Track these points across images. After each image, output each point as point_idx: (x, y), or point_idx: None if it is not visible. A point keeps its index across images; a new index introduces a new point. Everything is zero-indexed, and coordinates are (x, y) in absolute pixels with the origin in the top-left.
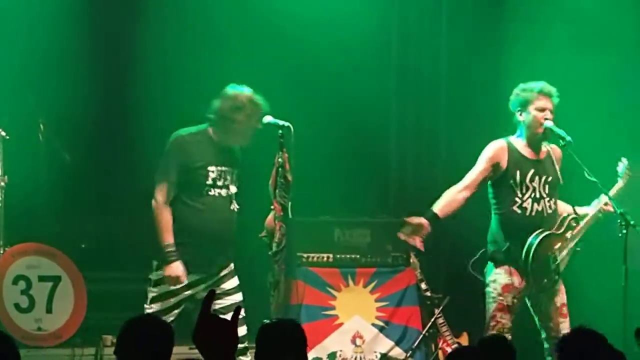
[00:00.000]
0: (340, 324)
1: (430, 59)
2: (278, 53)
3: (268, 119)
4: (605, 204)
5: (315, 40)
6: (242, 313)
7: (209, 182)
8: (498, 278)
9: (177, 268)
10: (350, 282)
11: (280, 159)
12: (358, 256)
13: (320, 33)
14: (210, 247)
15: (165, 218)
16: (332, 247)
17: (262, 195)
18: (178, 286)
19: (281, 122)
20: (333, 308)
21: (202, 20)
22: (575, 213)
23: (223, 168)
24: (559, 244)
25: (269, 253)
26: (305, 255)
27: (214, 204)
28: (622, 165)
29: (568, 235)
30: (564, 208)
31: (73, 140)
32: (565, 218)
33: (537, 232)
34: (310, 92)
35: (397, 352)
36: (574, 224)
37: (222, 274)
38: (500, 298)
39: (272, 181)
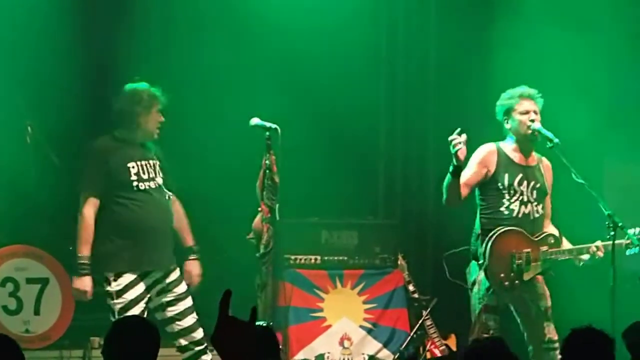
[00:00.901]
0: (328, 326)
1: (419, 61)
2: (265, 55)
3: (255, 121)
4: (597, 248)
5: (303, 42)
6: (195, 315)
7: (133, 177)
8: (483, 278)
9: (88, 282)
10: (338, 284)
11: (267, 161)
12: (346, 258)
13: (308, 36)
14: (156, 239)
15: (88, 230)
16: (319, 249)
17: (249, 197)
18: (137, 293)
19: (268, 124)
20: (321, 310)
21: (191, 24)
22: (559, 237)
23: (142, 162)
24: (528, 249)
25: (257, 255)
26: (292, 257)
27: (148, 197)
28: (634, 231)
29: (543, 248)
30: (554, 230)
31: (61, 142)
32: (546, 232)
33: (503, 226)
34: (297, 94)
35: (385, 354)
36: (551, 241)
37: (173, 278)
38: (486, 298)
39: (260, 183)
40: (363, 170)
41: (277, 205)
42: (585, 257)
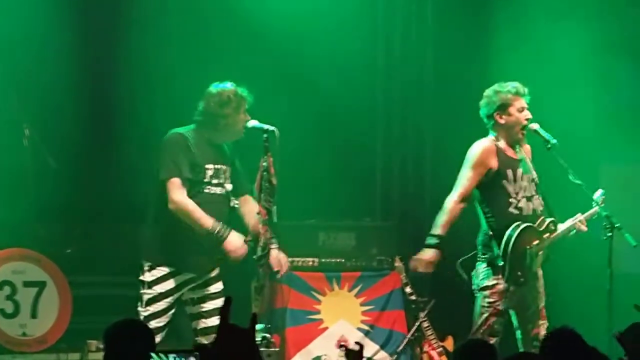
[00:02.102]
0: (325, 328)
1: (417, 64)
2: (264, 56)
3: (253, 123)
4: (580, 222)
5: (301, 45)
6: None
7: (207, 179)
8: (497, 285)
9: (236, 239)
10: (335, 286)
11: (265, 163)
12: (343, 260)
13: (307, 39)
14: (204, 244)
15: (192, 207)
16: (317, 251)
17: None
18: (168, 288)
19: (266, 126)
20: (318, 312)
21: (189, 27)
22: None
23: (218, 166)
24: (536, 242)
25: (254, 257)
26: (290, 259)
27: (210, 201)
28: (599, 193)
29: (546, 236)
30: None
31: (58, 145)
32: (545, 219)
33: (516, 224)
34: (296, 96)
35: (382, 355)
36: (552, 227)
37: (211, 275)
38: (497, 304)
39: (257, 185)
40: (360, 172)
41: (275, 207)
42: (570, 233)
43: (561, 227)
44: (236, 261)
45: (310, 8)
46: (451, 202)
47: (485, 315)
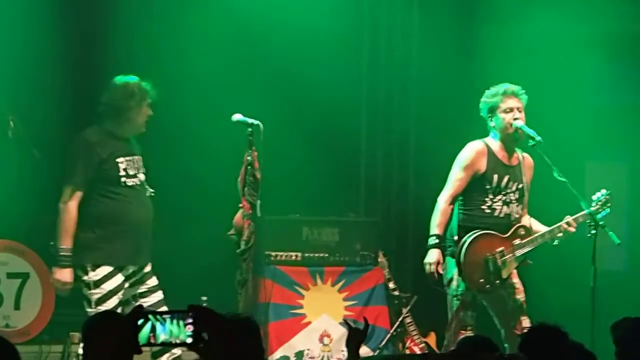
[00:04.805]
0: (308, 323)
1: (402, 59)
2: (249, 52)
3: (237, 117)
4: (568, 224)
5: (286, 40)
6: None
7: (122, 172)
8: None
9: (69, 274)
10: (319, 280)
11: (249, 157)
12: (326, 255)
13: (291, 34)
14: (137, 235)
15: (70, 221)
16: (300, 245)
17: (231, 193)
18: (116, 284)
19: (250, 120)
20: (301, 307)
21: (175, 20)
22: (529, 227)
23: (128, 157)
24: (500, 248)
25: (237, 251)
26: (273, 253)
27: (133, 193)
28: (600, 194)
29: (515, 242)
30: (526, 221)
31: (43, 136)
32: (514, 224)
33: (473, 232)
34: (280, 91)
35: (365, 351)
36: (522, 233)
37: (146, 270)
38: (462, 295)
39: (241, 179)
40: (344, 167)
41: (259, 202)
42: (559, 235)
43: (541, 229)
44: (58, 291)
45: (295, 2)
46: (443, 202)
47: (455, 308)
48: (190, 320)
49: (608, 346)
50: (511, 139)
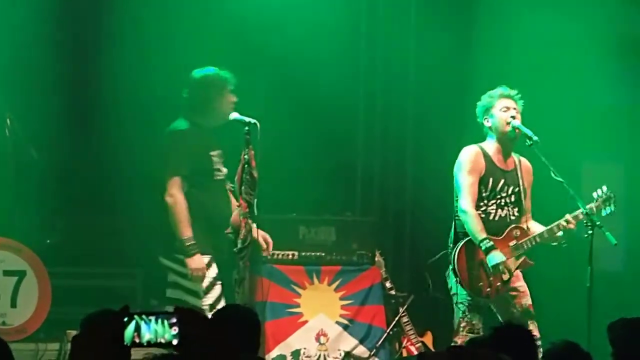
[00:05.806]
0: (305, 322)
1: (399, 60)
2: (246, 50)
3: (235, 115)
4: (567, 222)
5: (283, 39)
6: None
7: (216, 166)
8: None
9: (200, 260)
10: (315, 280)
11: (246, 156)
12: (323, 254)
13: (289, 33)
14: (221, 228)
15: (184, 212)
16: (297, 244)
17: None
18: (216, 272)
19: (247, 119)
20: (298, 306)
21: (171, 19)
22: (525, 228)
23: (216, 152)
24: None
25: (234, 250)
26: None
27: (220, 187)
28: (601, 191)
29: (511, 243)
30: (532, 226)
31: (40, 135)
32: (508, 226)
33: (468, 237)
34: (277, 90)
35: (361, 350)
36: (517, 234)
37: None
38: (469, 299)
39: (238, 178)
40: (341, 166)
41: (256, 200)
42: (559, 233)
43: (537, 228)
44: (195, 280)
45: (293, 4)
46: (470, 208)
47: (460, 311)
48: (174, 321)
49: (605, 346)
50: (508, 139)
